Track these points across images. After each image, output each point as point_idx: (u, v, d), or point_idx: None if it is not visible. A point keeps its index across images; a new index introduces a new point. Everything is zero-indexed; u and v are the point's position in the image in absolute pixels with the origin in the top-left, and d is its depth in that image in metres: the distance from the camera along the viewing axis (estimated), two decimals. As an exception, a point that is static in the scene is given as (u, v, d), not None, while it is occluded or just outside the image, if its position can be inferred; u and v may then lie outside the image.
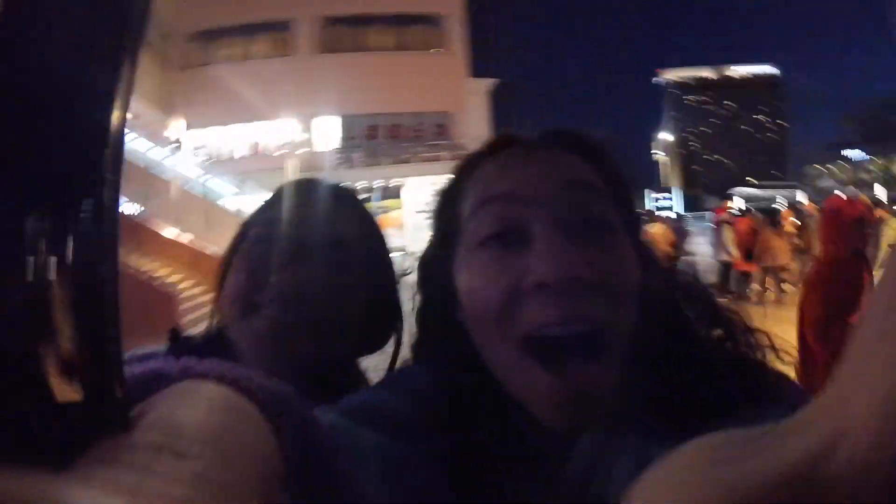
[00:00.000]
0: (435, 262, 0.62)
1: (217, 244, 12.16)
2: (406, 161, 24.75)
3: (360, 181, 23.61)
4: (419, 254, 0.70)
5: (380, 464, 0.46)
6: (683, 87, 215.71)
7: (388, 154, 24.88)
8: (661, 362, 0.51)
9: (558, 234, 0.49)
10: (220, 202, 18.94)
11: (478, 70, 28.65)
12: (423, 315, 0.65)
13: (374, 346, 0.91)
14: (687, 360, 0.51)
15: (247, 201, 18.19)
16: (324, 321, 0.79)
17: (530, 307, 0.48)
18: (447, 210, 0.61)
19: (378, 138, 26.18)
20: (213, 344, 0.82)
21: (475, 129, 26.37)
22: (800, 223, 11.38)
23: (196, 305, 9.14)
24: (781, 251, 9.69)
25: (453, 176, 0.63)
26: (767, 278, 9.68)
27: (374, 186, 24.13)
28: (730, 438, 0.26)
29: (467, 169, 0.61)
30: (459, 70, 27.23)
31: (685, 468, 0.27)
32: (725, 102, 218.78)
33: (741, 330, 0.56)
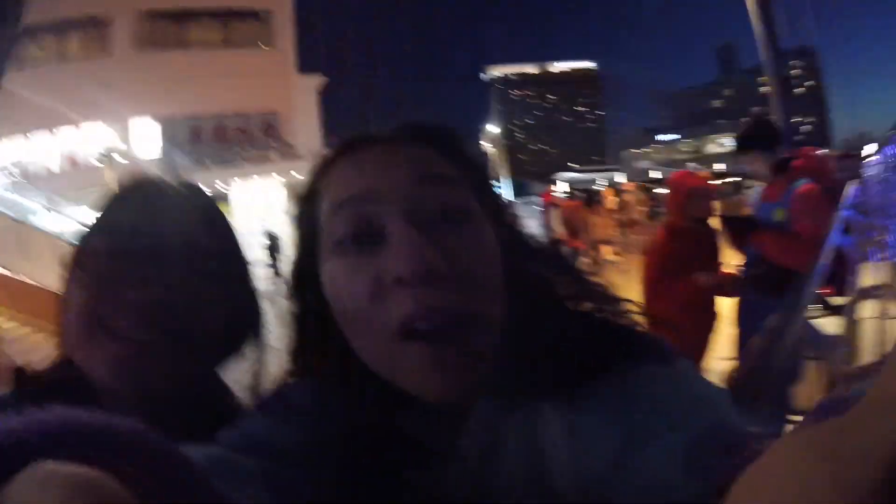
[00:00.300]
0: (302, 268, 0.60)
1: (37, 273, 10.83)
2: (233, 164, 23.53)
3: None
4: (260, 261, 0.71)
5: (270, 493, 0.46)
6: (508, 82, 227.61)
7: (213, 158, 23.45)
8: (538, 335, 0.53)
9: (411, 229, 0.49)
10: (33, 223, 16.46)
11: (306, 67, 27.88)
12: (298, 323, 0.62)
13: (236, 353, 0.84)
14: (562, 331, 0.54)
15: (64, 220, 16.21)
16: (186, 334, 0.72)
17: (393, 302, 0.48)
18: (305, 215, 0.59)
19: (202, 142, 24.64)
20: (62, 378, 0.73)
21: (304, 128, 25.60)
22: (619, 200, 12.88)
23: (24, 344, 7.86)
24: (601, 226, 10.71)
25: (309, 179, 0.61)
26: (591, 251, 10.49)
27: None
28: (825, 428, 0.24)
29: (322, 171, 0.59)
30: (287, 68, 26.34)
31: (790, 464, 0.25)
32: (548, 96, 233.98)
33: (608, 300, 0.59)
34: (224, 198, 23.58)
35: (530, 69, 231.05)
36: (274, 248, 14.79)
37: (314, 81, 28.70)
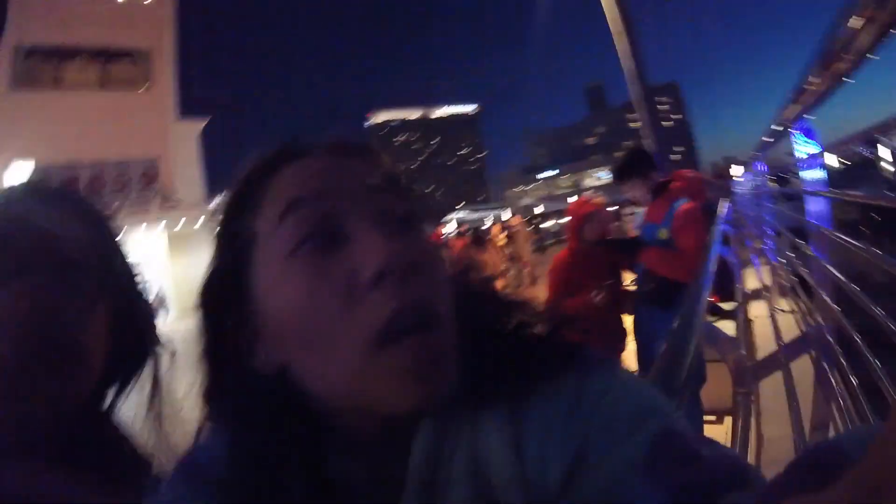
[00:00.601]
0: (224, 290, 0.54)
1: None
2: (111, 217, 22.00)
3: None
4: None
5: None
6: (392, 128, 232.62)
7: None
8: (476, 349, 0.52)
9: (375, 226, 0.48)
10: None
11: (185, 111, 26.71)
12: (214, 355, 0.55)
13: (125, 376, 0.76)
14: (499, 345, 0.53)
15: None
16: (62, 351, 0.64)
17: (373, 302, 0.45)
18: (236, 226, 0.54)
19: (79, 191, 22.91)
20: None
21: (185, 176, 24.42)
22: (506, 235, 13.31)
23: None
24: (490, 262, 10.70)
25: (239, 188, 0.56)
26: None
27: None
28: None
29: (256, 182, 0.54)
30: (167, 111, 25.11)
31: None
32: (431, 141, 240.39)
33: (534, 314, 0.58)
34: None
35: (412, 114, 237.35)
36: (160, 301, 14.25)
37: (194, 126, 27.58)
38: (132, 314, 0.76)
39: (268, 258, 0.50)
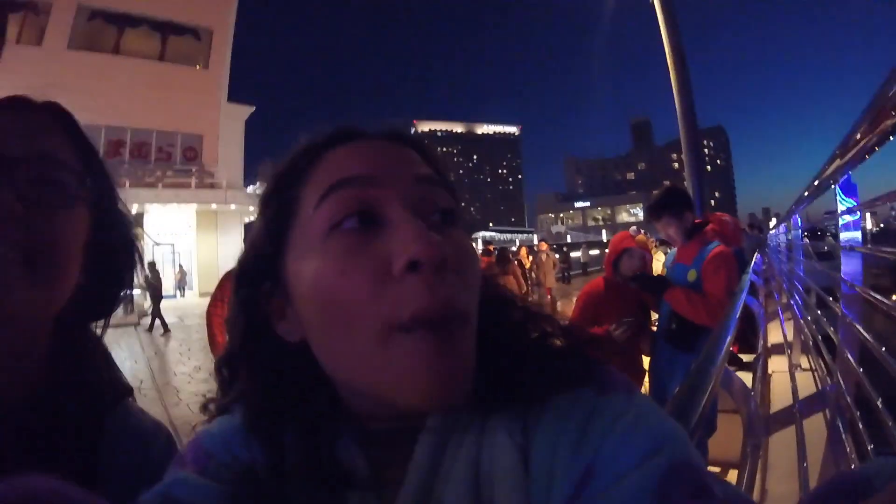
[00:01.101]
0: (261, 258, 0.55)
1: None
2: (151, 185, 22.08)
3: None
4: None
5: None
6: (436, 138, 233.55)
7: (131, 175, 21.97)
8: (497, 353, 0.52)
9: (416, 217, 0.48)
10: None
11: (232, 94, 27.23)
12: (244, 320, 0.56)
13: (101, 301, 0.74)
14: (519, 351, 0.54)
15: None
16: (39, 255, 0.60)
17: (402, 290, 0.45)
18: (282, 197, 0.54)
19: (122, 156, 23.01)
20: None
21: (227, 157, 24.96)
22: (533, 260, 13.35)
23: None
24: (510, 284, 11.35)
25: (291, 161, 0.56)
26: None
27: None
28: None
29: (309, 156, 0.55)
30: (219, 91, 25.64)
31: None
32: (472, 156, 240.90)
33: (556, 328, 0.58)
34: (138, 221, 22.78)
35: (457, 127, 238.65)
36: (155, 278, 14.61)
37: (243, 110, 28.12)
38: (111, 232, 0.73)
39: (306, 233, 0.51)
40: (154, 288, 14.21)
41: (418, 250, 0.45)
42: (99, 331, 0.76)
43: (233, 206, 23.80)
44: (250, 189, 26.45)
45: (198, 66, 25.32)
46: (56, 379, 0.67)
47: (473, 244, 0.54)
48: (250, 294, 0.55)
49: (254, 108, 28.68)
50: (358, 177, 0.50)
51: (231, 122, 26.25)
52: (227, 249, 24.74)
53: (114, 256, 0.73)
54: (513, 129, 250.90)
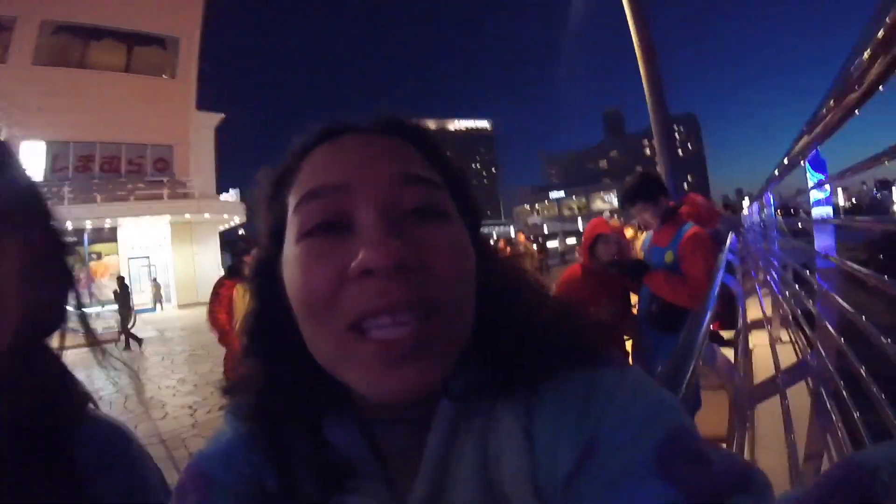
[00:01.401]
0: (265, 262, 0.58)
1: None
2: (123, 199, 21.75)
3: (69, 221, 20.62)
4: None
5: None
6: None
7: (103, 190, 21.58)
8: (502, 340, 0.53)
9: (383, 222, 0.48)
10: None
11: (201, 103, 26.78)
12: (257, 323, 0.59)
13: (51, 319, 0.72)
14: (524, 335, 0.54)
15: None
16: None
17: (354, 295, 0.46)
18: (276, 201, 0.57)
19: (92, 171, 22.74)
20: None
21: (198, 166, 24.59)
22: (510, 251, 13.62)
23: None
24: None
25: (284, 163, 0.58)
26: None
27: (86, 227, 20.87)
28: None
29: (298, 156, 0.57)
30: (188, 100, 25.24)
31: None
32: (446, 151, 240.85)
33: (565, 309, 0.60)
34: (111, 236, 22.29)
35: (429, 124, 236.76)
36: (123, 294, 14.41)
37: (212, 118, 27.72)
38: (45, 254, 0.70)
39: (289, 236, 0.53)
40: (122, 303, 14.07)
41: (366, 258, 0.46)
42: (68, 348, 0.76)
43: (207, 216, 23.53)
44: (224, 197, 26.09)
45: (165, 76, 24.89)
46: (13, 402, 0.67)
47: (463, 235, 0.54)
48: (260, 285, 0.58)
49: (223, 116, 28.30)
50: (329, 185, 0.52)
51: (201, 130, 25.90)
52: (204, 259, 24.61)
53: (49, 277, 0.71)
54: (485, 125, 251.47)
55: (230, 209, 24.61)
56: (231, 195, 26.16)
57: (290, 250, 0.52)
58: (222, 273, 6.74)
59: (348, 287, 0.47)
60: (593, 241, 3.43)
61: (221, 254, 25.78)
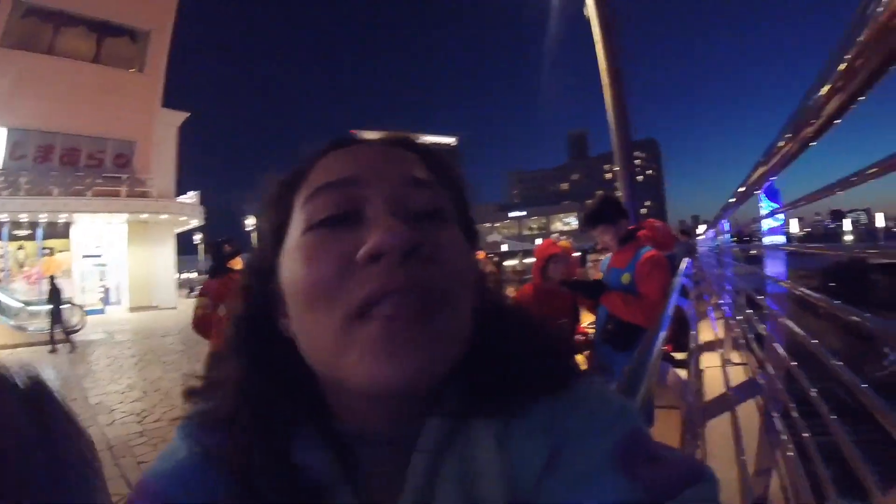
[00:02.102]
0: (260, 260, 0.58)
1: None
2: (80, 193, 21.09)
3: (24, 213, 19.76)
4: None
5: None
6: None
7: (60, 183, 20.84)
8: (492, 367, 0.54)
9: (390, 215, 0.49)
10: None
11: (168, 100, 26.09)
12: (245, 318, 0.58)
13: None
14: (510, 356, 0.55)
15: None
16: None
17: (360, 281, 0.46)
18: (281, 203, 0.57)
19: (52, 162, 21.82)
20: None
21: (159, 163, 23.99)
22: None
23: None
24: None
25: (293, 169, 0.59)
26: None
27: (40, 221, 20.39)
28: None
29: (308, 162, 0.58)
30: (154, 96, 24.58)
31: None
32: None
33: (546, 333, 0.62)
34: (64, 231, 21.55)
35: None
36: (54, 294, 14.03)
37: (176, 116, 27.15)
38: None
39: (292, 232, 0.54)
40: (53, 303, 13.74)
41: (378, 241, 0.46)
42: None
43: (164, 217, 22.93)
44: (182, 198, 25.46)
45: (133, 70, 24.19)
46: None
47: (466, 244, 0.55)
48: (252, 287, 0.58)
49: (188, 115, 27.65)
50: (341, 179, 0.53)
51: (164, 128, 25.28)
52: (161, 261, 23.91)
53: None
54: (451, 140, 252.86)
55: (188, 211, 23.99)
56: (190, 197, 25.49)
57: (295, 242, 0.52)
58: (177, 276, 6.56)
59: (354, 275, 0.47)
60: (545, 262, 3.59)
61: (177, 257, 25.00)
